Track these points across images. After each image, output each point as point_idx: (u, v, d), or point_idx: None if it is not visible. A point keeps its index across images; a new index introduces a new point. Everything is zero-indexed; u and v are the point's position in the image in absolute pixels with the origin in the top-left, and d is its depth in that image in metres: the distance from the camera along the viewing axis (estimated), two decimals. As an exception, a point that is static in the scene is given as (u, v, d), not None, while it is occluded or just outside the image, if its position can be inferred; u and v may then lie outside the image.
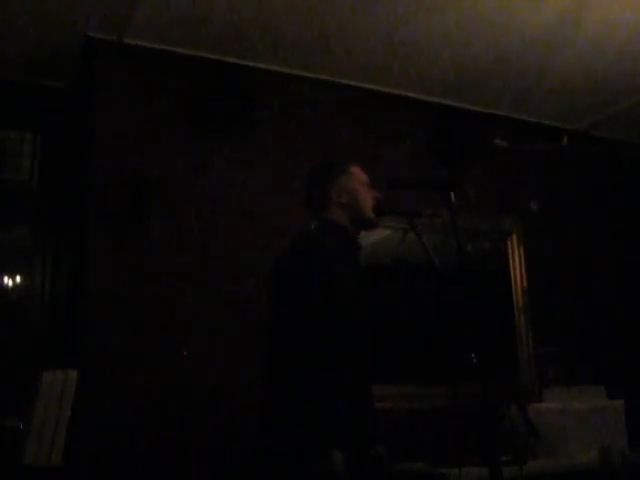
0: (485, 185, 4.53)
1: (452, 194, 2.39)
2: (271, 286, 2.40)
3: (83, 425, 3.01)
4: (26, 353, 3.38)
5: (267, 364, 2.31)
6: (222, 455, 3.35)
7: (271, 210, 3.84)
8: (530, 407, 3.97)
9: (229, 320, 3.60)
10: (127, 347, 3.37)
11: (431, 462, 3.53)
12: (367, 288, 2.53)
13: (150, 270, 3.52)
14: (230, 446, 3.33)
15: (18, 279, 3.58)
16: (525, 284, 4.56)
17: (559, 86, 4.43)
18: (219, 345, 3.56)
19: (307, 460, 2.11)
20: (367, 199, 2.54)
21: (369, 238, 3.81)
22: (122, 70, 3.69)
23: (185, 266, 3.60)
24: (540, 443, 3.76)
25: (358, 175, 2.59)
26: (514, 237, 4.64)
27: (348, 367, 2.31)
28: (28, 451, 2.69)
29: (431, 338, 4.12)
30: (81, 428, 2.94)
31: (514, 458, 3.17)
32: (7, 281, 3.60)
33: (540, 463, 3.63)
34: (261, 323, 2.43)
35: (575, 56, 4.09)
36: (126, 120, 3.63)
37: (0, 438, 3.10)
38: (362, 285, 2.49)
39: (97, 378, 3.22)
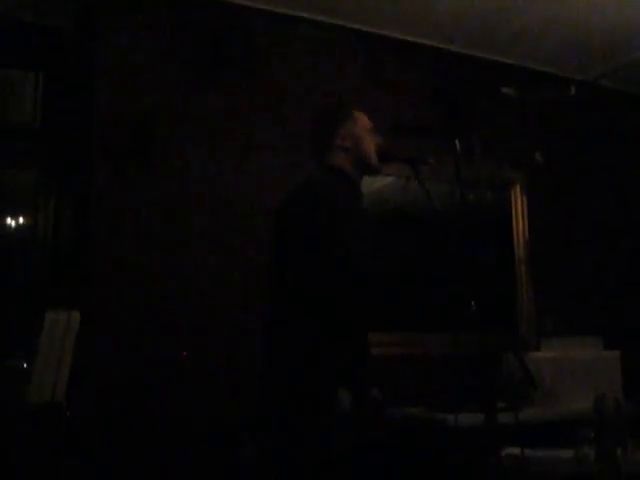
0: (490, 134, 4.49)
1: (457, 142, 2.38)
2: (275, 230, 2.42)
3: (85, 364, 3.04)
4: (29, 294, 3.40)
5: (271, 307, 2.33)
6: (227, 390, 3.39)
7: (271, 149, 3.82)
8: (528, 356, 4.02)
9: (234, 261, 3.63)
10: (130, 288, 3.39)
11: (429, 408, 3.58)
12: (369, 235, 2.54)
13: (154, 210, 3.52)
14: (236, 383, 3.36)
15: (21, 220, 3.59)
16: (526, 235, 4.56)
17: (569, 35, 4.36)
18: (223, 289, 3.58)
19: (314, 400, 2.15)
20: (371, 145, 2.53)
21: (372, 185, 3.80)
22: (124, 9, 3.63)
23: (189, 204, 3.60)
24: (536, 392, 3.81)
25: (362, 121, 2.57)
26: (517, 188, 4.62)
27: (348, 313, 2.33)
28: (31, 389, 2.73)
29: (432, 286, 4.14)
30: (84, 367, 2.97)
31: (510, 405, 3.23)
32: (10, 222, 3.60)
33: (535, 410, 3.68)
34: (266, 264, 2.45)
35: (585, 5, 4.02)
36: (129, 59, 3.59)
37: (4, 377, 3.15)
38: (364, 232, 2.49)
39: (99, 319, 3.25)
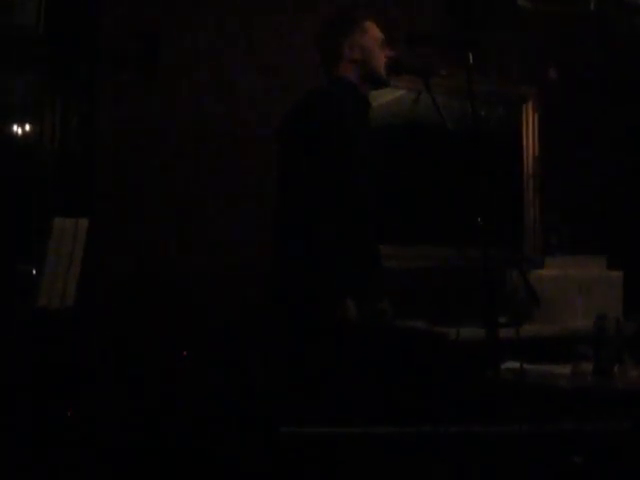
0: (504, 48, 4.39)
1: (470, 55, 2.32)
2: (281, 142, 2.40)
3: (94, 270, 3.08)
4: (37, 201, 3.41)
5: (277, 219, 2.35)
6: (235, 296, 3.43)
7: (286, 66, 3.75)
8: (532, 273, 4.04)
9: (241, 174, 3.62)
10: (137, 195, 3.41)
11: (431, 321, 3.63)
12: (377, 148, 2.52)
13: (159, 123, 3.49)
14: (244, 288, 3.41)
15: (27, 127, 3.56)
16: (536, 152, 4.52)
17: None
18: (229, 209, 3.59)
19: (321, 308, 2.19)
20: (380, 57, 2.49)
21: (382, 98, 3.75)
22: None
23: (197, 122, 3.57)
24: (539, 308, 3.85)
25: (373, 31, 2.52)
26: (529, 104, 4.56)
27: (355, 225, 2.34)
28: (41, 294, 2.77)
29: (439, 200, 4.14)
30: (92, 273, 3.01)
31: (512, 321, 3.27)
32: (16, 129, 3.58)
33: (536, 327, 3.74)
34: (270, 176, 2.45)
35: None
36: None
37: (14, 282, 3.19)
38: (371, 144, 2.48)
39: (106, 225, 3.27)
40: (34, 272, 2.98)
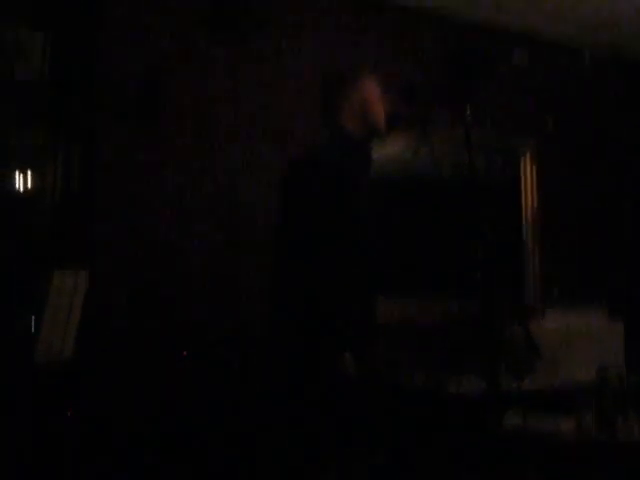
0: (501, 101, 4.45)
1: (467, 108, 2.36)
2: (283, 191, 2.42)
3: (93, 324, 3.07)
4: (37, 253, 3.41)
5: (276, 269, 2.35)
6: (233, 344, 3.43)
7: (284, 114, 3.81)
8: (532, 325, 4.02)
9: (240, 222, 3.64)
10: (138, 246, 3.42)
11: (431, 373, 3.60)
12: (376, 200, 2.53)
13: (161, 169, 3.52)
14: (242, 335, 3.40)
15: (29, 179, 3.59)
16: (535, 203, 4.55)
17: (583, 5, 4.30)
18: (230, 248, 3.60)
19: (321, 362, 2.17)
20: (380, 110, 2.53)
21: (381, 150, 3.78)
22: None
23: (196, 166, 3.60)
24: (540, 360, 3.82)
25: (372, 85, 2.56)
26: (528, 156, 4.60)
27: (355, 276, 2.34)
28: (39, 349, 2.75)
29: (439, 252, 4.14)
30: (91, 327, 3.00)
31: (513, 373, 3.24)
32: (18, 181, 3.60)
33: (538, 379, 3.70)
34: (270, 227, 2.45)
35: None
36: (139, 18, 3.56)
37: (12, 336, 3.17)
38: (371, 196, 2.49)
39: (107, 278, 3.27)
40: (33, 324, 2.96)
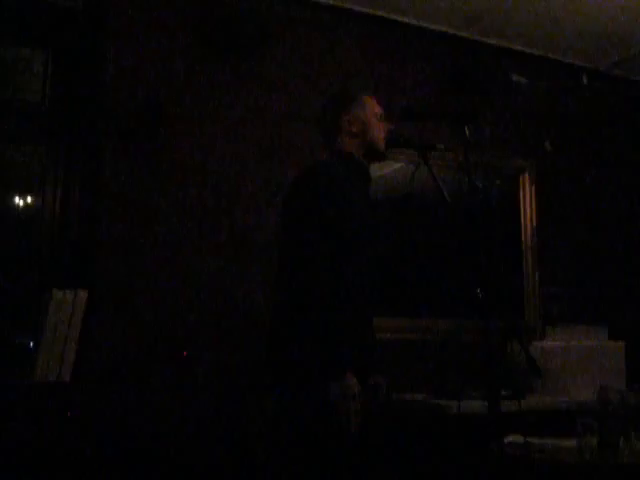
0: (500, 122, 4.47)
1: (466, 128, 2.37)
2: (283, 209, 2.43)
3: (92, 343, 3.06)
4: (37, 273, 3.41)
5: (277, 290, 2.34)
6: (231, 374, 3.42)
7: (285, 137, 3.82)
8: (532, 344, 4.02)
9: (241, 246, 3.64)
10: (138, 268, 3.41)
11: (432, 394, 3.59)
12: (377, 220, 2.54)
13: (163, 193, 3.52)
14: (241, 364, 3.39)
15: (29, 199, 3.59)
16: (534, 223, 4.55)
17: (581, 24, 4.32)
18: (231, 271, 3.59)
19: (322, 384, 2.16)
20: (379, 130, 2.54)
21: (380, 170, 3.79)
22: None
23: (199, 189, 3.60)
24: (540, 380, 3.82)
25: (371, 105, 2.57)
26: (526, 176, 4.61)
27: (353, 296, 2.33)
28: (38, 368, 2.74)
29: (438, 272, 4.14)
30: (90, 346, 2.99)
31: (513, 393, 3.23)
32: (18, 201, 3.61)
33: (539, 399, 3.69)
34: (273, 250, 2.45)
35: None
36: (141, 41, 3.57)
37: (11, 355, 3.16)
38: (371, 216, 2.49)
39: (106, 298, 3.26)
40: (31, 345, 2.95)
